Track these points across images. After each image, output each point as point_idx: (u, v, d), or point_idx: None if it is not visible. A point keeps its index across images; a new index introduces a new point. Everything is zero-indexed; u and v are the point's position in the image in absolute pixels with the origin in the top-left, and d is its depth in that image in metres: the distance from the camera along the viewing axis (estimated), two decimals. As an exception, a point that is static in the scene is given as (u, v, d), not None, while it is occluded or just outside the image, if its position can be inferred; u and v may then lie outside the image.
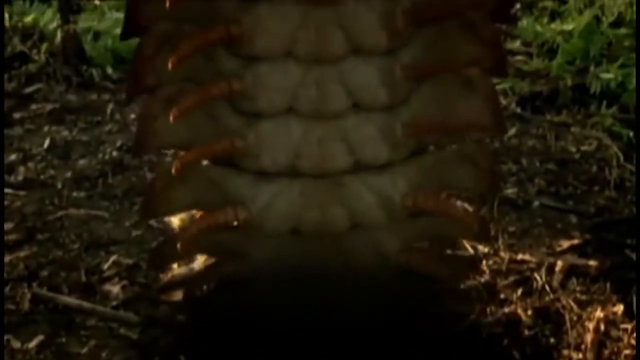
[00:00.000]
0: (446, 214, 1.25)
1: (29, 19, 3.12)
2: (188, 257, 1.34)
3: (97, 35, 3.07)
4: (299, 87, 1.16)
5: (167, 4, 1.08)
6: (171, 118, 1.12)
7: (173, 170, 1.17)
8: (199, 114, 1.19)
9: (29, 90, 2.76)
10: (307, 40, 1.14)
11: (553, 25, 2.87)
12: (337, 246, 1.25)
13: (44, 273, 1.60)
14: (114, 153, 2.18)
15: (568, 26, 2.73)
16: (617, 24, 2.69)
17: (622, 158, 2.05)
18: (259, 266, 1.26)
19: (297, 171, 1.19)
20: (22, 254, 1.67)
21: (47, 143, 2.27)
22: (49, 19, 3.10)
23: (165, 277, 1.38)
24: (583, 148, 2.16)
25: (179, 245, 1.21)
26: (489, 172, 1.27)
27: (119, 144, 2.24)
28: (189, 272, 1.35)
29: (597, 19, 2.69)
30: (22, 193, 1.96)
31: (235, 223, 1.22)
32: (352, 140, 1.18)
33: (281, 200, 1.21)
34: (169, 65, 1.10)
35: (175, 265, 1.36)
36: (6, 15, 3.08)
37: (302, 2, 1.13)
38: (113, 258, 1.64)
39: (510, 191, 1.91)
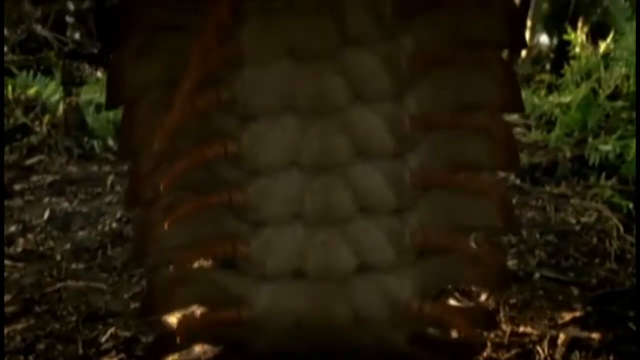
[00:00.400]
0: (459, 251, 1.21)
1: (31, 91, 3.16)
2: (188, 348, 1.33)
3: (98, 107, 3.11)
4: (304, 195, 1.15)
5: (165, 127, 1.08)
6: (166, 226, 1.12)
7: (173, 271, 1.17)
8: (200, 219, 1.19)
9: (30, 162, 2.77)
10: (310, 151, 1.13)
11: (551, 98, 2.90)
12: (343, 336, 1.23)
13: (41, 346, 1.58)
14: (114, 224, 2.18)
15: (565, 99, 2.76)
16: (614, 96, 2.71)
17: (622, 230, 2.05)
18: (262, 353, 1.25)
19: (302, 273, 1.18)
20: (19, 326, 1.65)
21: (47, 214, 2.27)
22: (52, 92, 3.14)
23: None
24: (583, 220, 2.16)
25: (178, 339, 1.19)
26: (503, 205, 1.24)
27: (118, 215, 2.24)
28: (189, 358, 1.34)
29: (594, 92, 2.72)
30: (20, 265, 1.95)
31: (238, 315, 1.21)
32: (359, 243, 1.17)
33: (285, 300, 1.19)
34: (164, 184, 1.10)
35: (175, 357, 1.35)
36: (9, 88, 3.11)
37: (302, 113, 1.12)
38: (111, 331, 1.62)
39: (510, 263, 1.90)
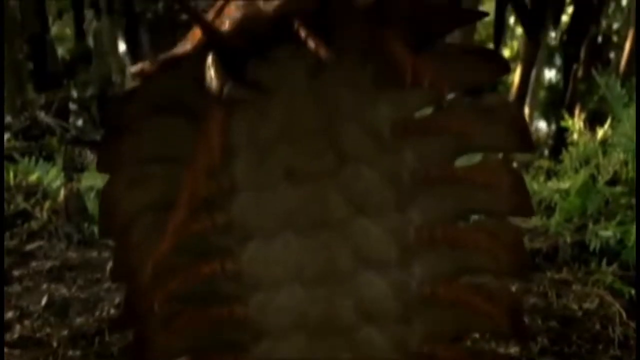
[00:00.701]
0: (468, 305, 1.18)
1: (33, 177, 3.18)
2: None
3: (99, 194, 3.12)
4: (307, 307, 1.14)
5: (158, 254, 1.08)
6: (168, 335, 1.12)
7: None
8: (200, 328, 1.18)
9: (29, 247, 2.76)
10: (313, 265, 1.13)
11: (550, 184, 2.91)
12: None
13: None
14: (112, 310, 2.16)
15: (565, 184, 2.76)
16: (613, 182, 2.72)
17: (624, 315, 2.03)
18: None
19: None
20: (13, 414, 1.62)
21: (44, 300, 2.26)
22: (53, 177, 3.16)
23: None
24: (585, 306, 2.14)
25: None
26: (513, 249, 1.22)
27: (117, 301, 2.23)
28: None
29: (593, 178, 2.73)
30: (16, 352, 1.93)
31: None
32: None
33: None
34: (159, 301, 1.10)
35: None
36: (11, 174, 3.13)
37: (305, 233, 1.12)
38: (106, 419, 1.60)
39: (512, 350, 1.87)
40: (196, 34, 1.02)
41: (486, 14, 1.21)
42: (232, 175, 1.11)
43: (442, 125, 1.14)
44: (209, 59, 0.98)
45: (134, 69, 1.06)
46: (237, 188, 1.12)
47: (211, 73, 0.98)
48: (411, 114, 1.13)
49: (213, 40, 0.99)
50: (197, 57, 1.00)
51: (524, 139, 1.16)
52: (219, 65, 0.98)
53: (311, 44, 0.92)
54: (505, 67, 1.19)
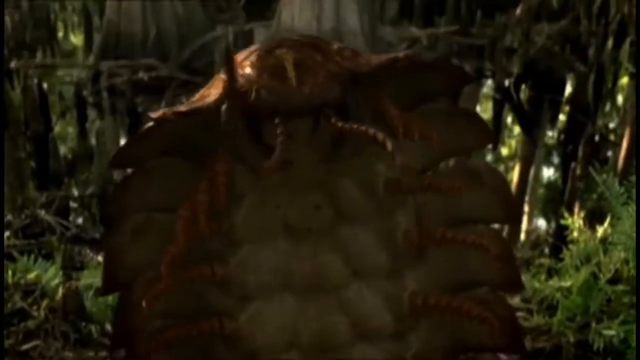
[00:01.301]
0: (461, 314, 1.18)
1: (32, 275, 3.16)
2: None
3: (98, 292, 3.09)
4: None
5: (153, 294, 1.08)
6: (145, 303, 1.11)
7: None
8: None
9: (26, 347, 2.73)
10: (309, 331, 1.15)
11: (551, 282, 2.89)
12: None
13: None
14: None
15: (566, 283, 2.75)
16: (614, 280, 2.71)
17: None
18: None
19: None
20: None
21: (39, 402, 2.22)
22: (52, 276, 3.13)
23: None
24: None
25: None
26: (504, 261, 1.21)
27: (112, 403, 2.19)
28: None
29: (595, 276, 2.72)
30: None
31: None
32: None
33: None
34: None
35: None
36: (9, 272, 3.11)
37: (301, 294, 1.13)
38: None
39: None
40: (218, 85, 1.04)
41: (475, 78, 1.24)
42: (234, 221, 1.12)
43: (432, 184, 1.15)
44: (240, 128, 1.00)
45: (154, 114, 1.07)
46: (237, 239, 1.12)
47: (243, 140, 1.00)
48: (403, 173, 1.15)
49: (236, 101, 1.01)
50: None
51: (510, 208, 1.17)
52: (248, 134, 1.00)
53: (376, 138, 0.95)
54: (489, 135, 1.21)
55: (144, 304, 1.08)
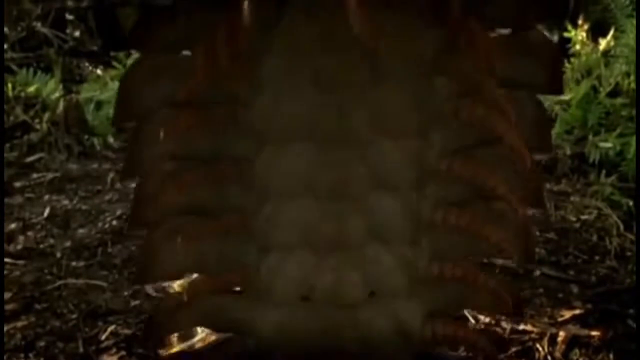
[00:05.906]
0: (471, 280, 1.21)
1: (31, 88, 3.16)
2: (187, 329, 1.31)
3: (99, 105, 3.11)
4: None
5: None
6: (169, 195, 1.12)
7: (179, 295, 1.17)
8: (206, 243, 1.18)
9: (30, 159, 2.77)
10: (324, 285, 1.14)
11: (551, 96, 2.89)
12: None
13: (41, 343, 1.58)
14: (114, 222, 2.18)
15: (566, 96, 2.75)
16: (614, 93, 2.71)
17: (622, 227, 2.05)
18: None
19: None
20: (19, 324, 1.65)
21: (47, 212, 2.27)
22: (52, 89, 3.13)
23: (165, 352, 1.35)
24: (583, 217, 2.16)
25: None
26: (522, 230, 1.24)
27: (118, 212, 2.24)
28: (190, 348, 1.32)
29: (595, 89, 2.72)
30: (20, 262, 1.95)
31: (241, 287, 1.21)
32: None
33: (292, 325, 1.19)
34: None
35: (174, 339, 1.34)
36: (9, 86, 3.11)
37: (323, 147, 1.11)
38: (111, 328, 1.62)
39: (510, 260, 1.90)
40: None
41: None
42: (259, 74, 1.10)
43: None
44: None
45: None
46: (262, 86, 1.11)
47: None
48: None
49: None
50: None
51: (554, 81, 1.15)
52: None
53: None
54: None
55: (161, 136, 1.07)
